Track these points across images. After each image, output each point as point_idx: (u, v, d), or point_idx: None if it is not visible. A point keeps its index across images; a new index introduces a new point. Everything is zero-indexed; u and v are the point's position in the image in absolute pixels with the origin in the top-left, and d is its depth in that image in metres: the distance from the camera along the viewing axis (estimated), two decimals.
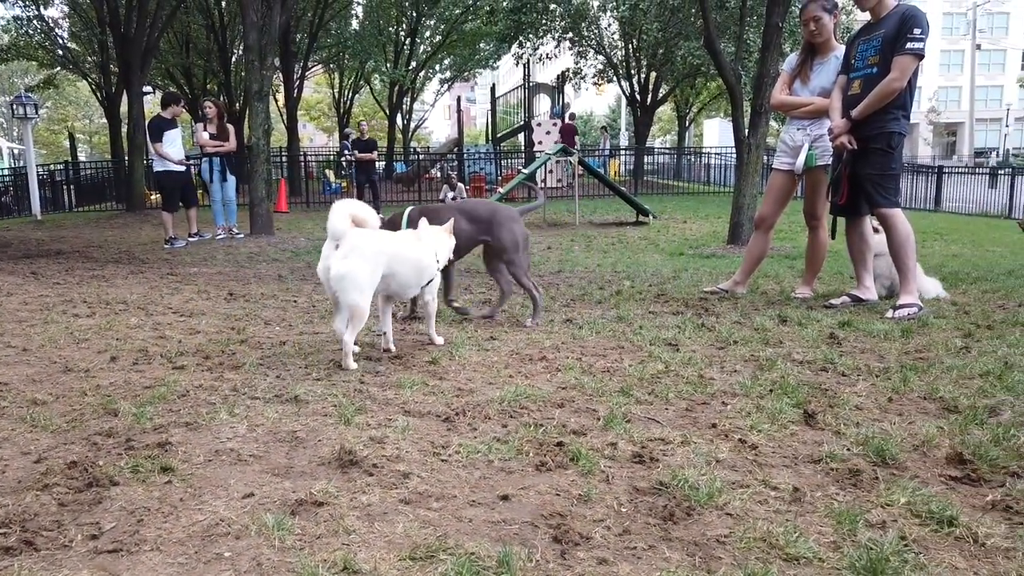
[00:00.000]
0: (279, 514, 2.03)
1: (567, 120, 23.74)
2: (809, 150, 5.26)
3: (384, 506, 2.10)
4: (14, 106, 17.38)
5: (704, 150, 25.78)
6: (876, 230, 5.09)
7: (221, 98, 25.49)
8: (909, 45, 4.50)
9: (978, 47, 45.38)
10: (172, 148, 10.31)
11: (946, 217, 16.47)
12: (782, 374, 3.39)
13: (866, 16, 4.86)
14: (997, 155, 45.27)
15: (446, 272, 4.60)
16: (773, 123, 14.92)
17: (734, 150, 11.58)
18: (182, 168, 10.44)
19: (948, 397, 3.03)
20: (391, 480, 2.27)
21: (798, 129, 5.38)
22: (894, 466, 2.38)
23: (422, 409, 2.98)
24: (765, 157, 11.93)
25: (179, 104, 10.89)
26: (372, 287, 3.52)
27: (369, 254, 3.48)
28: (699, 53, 19.10)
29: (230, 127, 11.25)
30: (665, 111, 37.75)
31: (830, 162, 5.13)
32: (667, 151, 30.25)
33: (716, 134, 28.82)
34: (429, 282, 3.89)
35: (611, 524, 2.02)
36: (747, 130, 9.48)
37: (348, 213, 3.48)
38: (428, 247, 3.86)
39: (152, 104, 25.70)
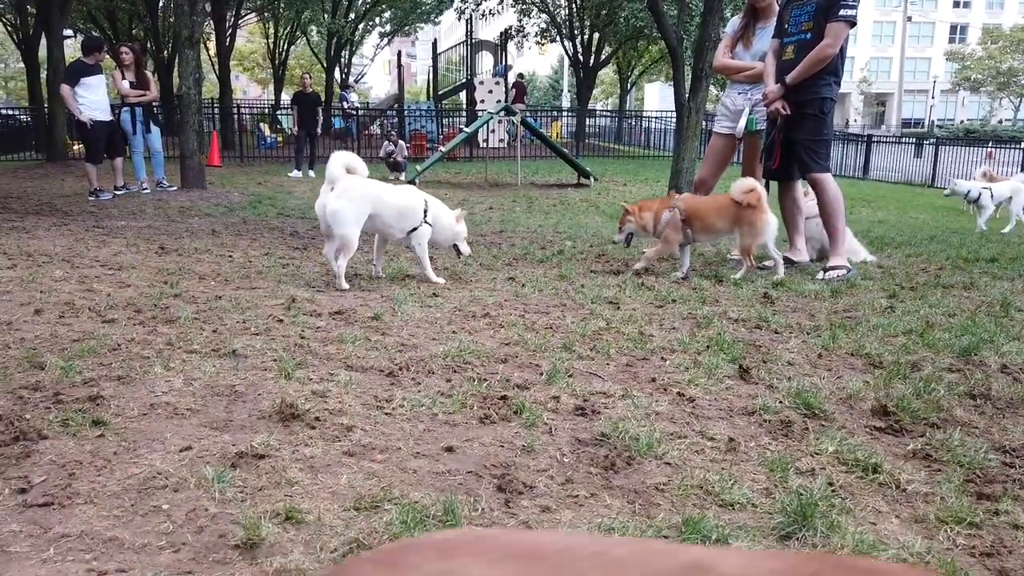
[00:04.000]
0: (219, 467, 2.00)
1: (517, 79, 23.56)
2: (750, 114, 5.34)
3: (327, 458, 2.09)
4: None
5: (645, 114, 25.94)
6: (806, 194, 5.24)
7: (148, 44, 24.30)
8: (842, 12, 4.58)
9: (909, 19, 46.61)
10: (94, 96, 9.77)
11: (873, 185, 17.05)
12: (718, 331, 3.48)
13: None
14: (922, 127, 46.90)
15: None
16: (713, 88, 15.08)
17: (675, 114, 11.66)
18: (104, 118, 9.92)
19: (873, 353, 3.17)
20: (334, 433, 2.25)
21: (739, 93, 5.46)
22: (823, 417, 2.49)
23: (365, 364, 2.95)
24: (704, 122, 12.08)
25: (102, 50, 10.31)
26: (359, 223, 4.31)
27: (357, 196, 4.29)
28: (642, 15, 19.10)
29: (149, 74, 10.74)
30: (608, 73, 37.73)
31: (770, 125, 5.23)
32: (609, 114, 30.32)
33: (657, 98, 29.04)
34: (414, 229, 4.51)
35: (554, 474, 2.06)
36: (687, 94, 9.55)
37: (343, 162, 4.32)
38: (414, 198, 4.59)
39: (74, 49, 24.32)
